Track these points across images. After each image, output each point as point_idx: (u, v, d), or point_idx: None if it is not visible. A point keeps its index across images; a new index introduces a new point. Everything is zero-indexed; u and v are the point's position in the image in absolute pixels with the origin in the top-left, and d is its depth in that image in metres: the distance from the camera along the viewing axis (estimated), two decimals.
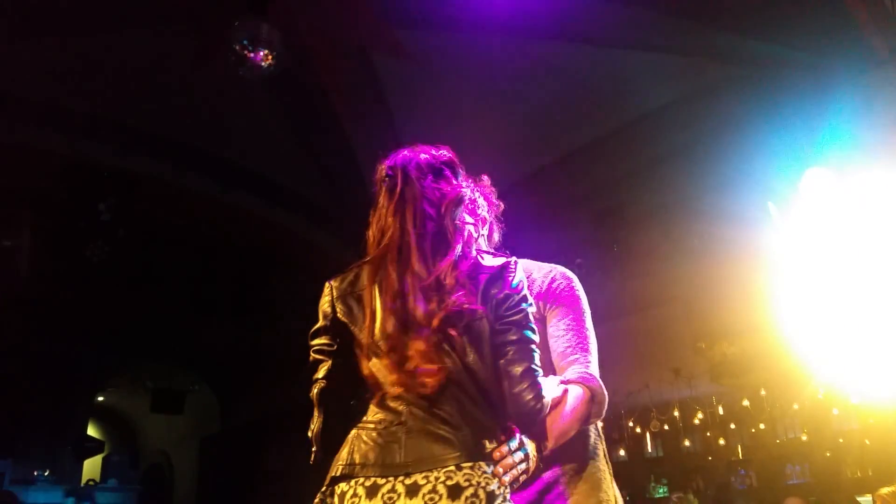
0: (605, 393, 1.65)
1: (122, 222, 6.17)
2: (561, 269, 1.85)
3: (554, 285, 1.78)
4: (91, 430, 10.34)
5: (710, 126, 5.05)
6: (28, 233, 6.27)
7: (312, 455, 1.46)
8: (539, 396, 1.38)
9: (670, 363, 6.96)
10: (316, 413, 1.47)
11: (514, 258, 1.51)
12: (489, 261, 1.48)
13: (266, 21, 4.15)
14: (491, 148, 5.03)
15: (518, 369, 1.39)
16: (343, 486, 1.34)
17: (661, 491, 8.78)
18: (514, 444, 1.40)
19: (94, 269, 6.45)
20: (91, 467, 9.73)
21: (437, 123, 5.04)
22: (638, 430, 8.47)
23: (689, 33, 4.49)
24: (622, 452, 8.86)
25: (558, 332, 1.72)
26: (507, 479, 1.35)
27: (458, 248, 1.45)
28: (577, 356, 1.68)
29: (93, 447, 9.29)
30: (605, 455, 1.77)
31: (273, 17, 4.21)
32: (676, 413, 7.92)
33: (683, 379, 7.04)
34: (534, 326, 1.45)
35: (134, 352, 9.32)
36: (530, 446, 1.44)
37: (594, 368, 1.67)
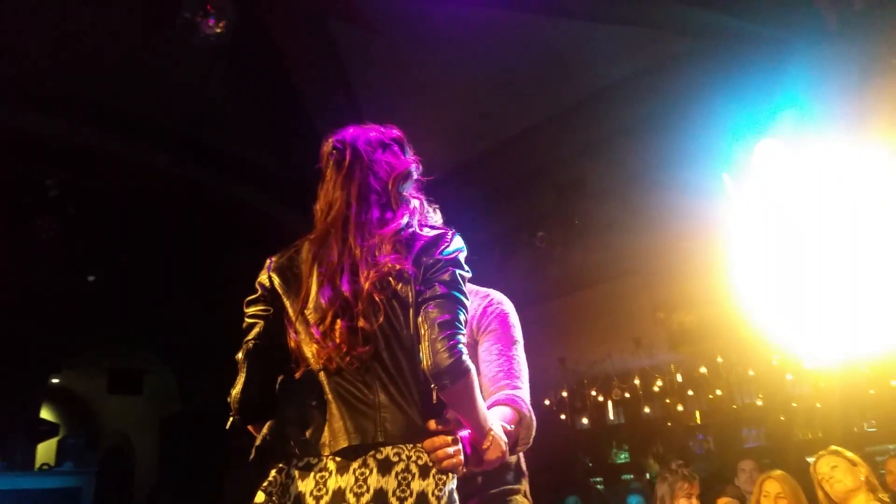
0: (534, 419, 1.59)
1: (71, 199, 5.97)
2: (498, 294, 1.80)
3: (490, 309, 1.75)
4: (46, 413, 10.09)
5: (668, 99, 5.08)
6: None
7: (230, 419, 1.44)
8: (454, 351, 1.29)
9: (631, 333, 7.06)
10: (239, 375, 1.44)
11: (452, 230, 1.49)
12: (427, 231, 1.46)
13: None
14: (451, 121, 5.00)
15: (436, 319, 1.32)
16: (282, 465, 1.34)
17: (622, 457, 9.01)
18: (448, 436, 1.35)
19: (44, 248, 6.23)
20: (46, 451, 9.50)
21: (397, 94, 4.95)
22: (600, 398, 8.60)
23: (646, 5, 4.48)
24: (585, 421, 9.03)
25: (490, 356, 1.68)
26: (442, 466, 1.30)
27: (404, 220, 1.44)
28: (507, 381, 1.63)
29: (46, 430, 9.05)
30: (526, 494, 1.73)
31: None
32: (637, 381, 8.06)
33: (644, 348, 7.16)
34: (464, 290, 1.39)
35: (88, 332, 9.08)
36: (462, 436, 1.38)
37: (524, 394, 1.63)
